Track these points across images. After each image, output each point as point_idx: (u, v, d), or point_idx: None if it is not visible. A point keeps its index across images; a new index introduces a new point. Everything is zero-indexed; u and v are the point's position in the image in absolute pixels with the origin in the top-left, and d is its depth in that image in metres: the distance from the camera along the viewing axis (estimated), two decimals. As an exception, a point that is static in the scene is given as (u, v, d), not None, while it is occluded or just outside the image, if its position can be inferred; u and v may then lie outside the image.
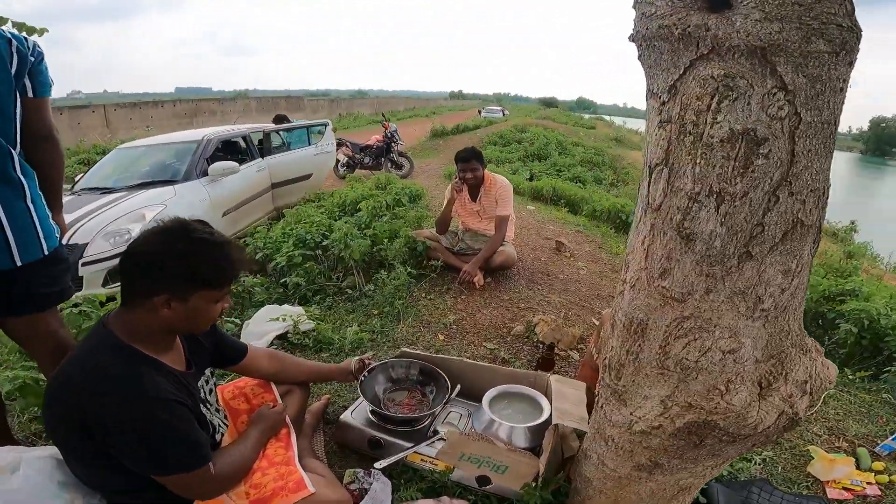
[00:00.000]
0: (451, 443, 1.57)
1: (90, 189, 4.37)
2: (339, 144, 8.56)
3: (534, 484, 1.49)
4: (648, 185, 1.06)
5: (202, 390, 1.30)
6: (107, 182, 4.50)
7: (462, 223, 3.66)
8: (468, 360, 1.90)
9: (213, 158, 4.85)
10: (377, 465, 1.63)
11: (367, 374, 1.81)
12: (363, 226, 3.80)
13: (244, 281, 2.85)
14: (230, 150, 5.57)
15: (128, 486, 1.15)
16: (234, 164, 4.82)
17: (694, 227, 0.99)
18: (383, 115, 11.21)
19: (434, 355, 1.96)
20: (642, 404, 1.14)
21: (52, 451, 1.31)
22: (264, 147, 5.83)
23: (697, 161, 0.95)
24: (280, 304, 2.73)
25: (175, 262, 1.05)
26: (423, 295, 3.07)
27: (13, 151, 1.27)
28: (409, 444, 1.67)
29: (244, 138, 5.59)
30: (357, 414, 1.80)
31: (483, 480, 1.57)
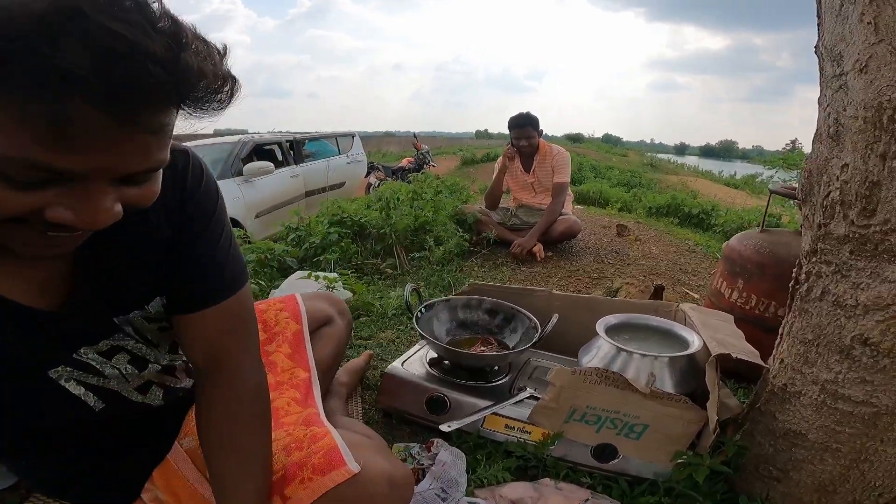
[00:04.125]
0: (559, 387, 1.06)
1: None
2: (371, 168, 8.41)
3: (689, 451, 0.98)
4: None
5: (106, 342, 0.67)
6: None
7: (514, 199, 3.25)
8: (560, 293, 1.42)
9: (247, 161, 4.75)
10: (444, 426, 1.15)
11: (423, 309, 1.37)
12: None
13: (274, 248, 2.51)
14: (265, 155, 5.50)
15: None
16: (269, 164, 4.79)
17: None
18: (415, 136, 11.08)
19: (514, 287, 1.49)
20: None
21: None
22: (297, 153, 5.74)
23: None
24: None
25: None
26: (476, 268, 2.64)
27: None
28: (486, 403, 1.20)
29: (279, 145, 5.55)
30: (411, 365, 1.34)
31: (604, 452, 1.07)
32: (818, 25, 0.82)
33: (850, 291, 0.74)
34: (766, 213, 1.56)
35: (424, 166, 8.85)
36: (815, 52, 0.82)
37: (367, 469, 0.72)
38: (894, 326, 0.69)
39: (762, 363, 0.99)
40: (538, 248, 2.73)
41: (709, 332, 1.10)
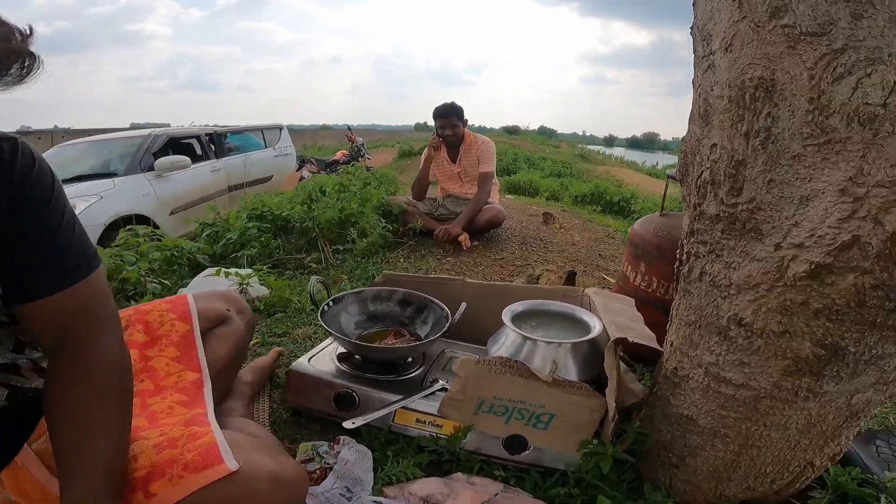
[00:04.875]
0: (465, 378, 1.04)
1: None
2: (304, 162, 8.12)
3: (594, 440, 0.99)
4: None
5: None
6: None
7: (441, 189, 3.23)
8: (473, 282, 1.40)
9: (161, 155, 4.50)
10: (347, 423, 1.11)
11: (331, 303, 1.31)
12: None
13: (181, 246, 2.31)
14: (182, 149, 5.13)
15: None
16: (185, 158, 4.56)
17: None
18: (349, 128, 10.80)
19: (428, 276, 1.47)
20: (800, 215, 0.67)
21: None
22: (218, 147, 5.41)
23: None
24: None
25: None
26: (401, 260, 2.59)
27: None
28: (397, 398, 1.16)
29: (198, 138, 5.23)
30: (319, 361, 1.28)
31: (514, 443, 1.07)
32: (693, 5, 0.83)
33: (723, 271, 0.77)
34: (664, 197, 1.64)
35: (359, 159, 8.68)
36: (691, 33, 0.84)
37: (247, 467, 0.71)
38: (765, 306, 0.71)
39: (658, 347, 1.01)
40: (464, 238, 2.73)
41: (609, 315, 1.13)
